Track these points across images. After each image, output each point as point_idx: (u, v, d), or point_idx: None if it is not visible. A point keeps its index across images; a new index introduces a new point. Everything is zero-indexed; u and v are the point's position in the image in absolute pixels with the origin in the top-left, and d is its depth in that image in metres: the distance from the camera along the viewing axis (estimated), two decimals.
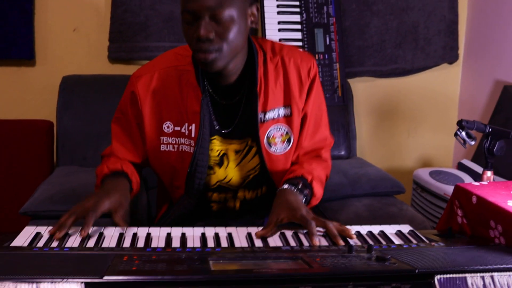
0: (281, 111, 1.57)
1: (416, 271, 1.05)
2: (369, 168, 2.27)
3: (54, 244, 1.23)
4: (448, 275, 1.05)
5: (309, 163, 1.61)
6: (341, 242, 1.27)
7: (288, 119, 1.58)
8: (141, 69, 1.60)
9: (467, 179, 2.28)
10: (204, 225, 1.40)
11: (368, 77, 2.75)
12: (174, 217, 1.62)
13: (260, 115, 1.54)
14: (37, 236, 1.27)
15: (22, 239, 1.25)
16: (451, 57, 2.81)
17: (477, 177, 2.18)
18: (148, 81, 1.55)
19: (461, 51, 2.86)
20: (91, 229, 1.30)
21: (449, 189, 2.19)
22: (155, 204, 1.85)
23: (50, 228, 1.30)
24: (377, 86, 2.80)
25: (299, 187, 1.50)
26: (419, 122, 2.88)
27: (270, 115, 1.55)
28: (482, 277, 1.07)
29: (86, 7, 2.53)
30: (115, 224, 1.37)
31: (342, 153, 2.47)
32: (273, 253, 1.19)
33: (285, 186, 1.50)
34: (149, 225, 1.44)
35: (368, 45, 2.67)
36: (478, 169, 2.27)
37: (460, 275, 1.06)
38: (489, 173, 1.74)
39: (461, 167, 2.37)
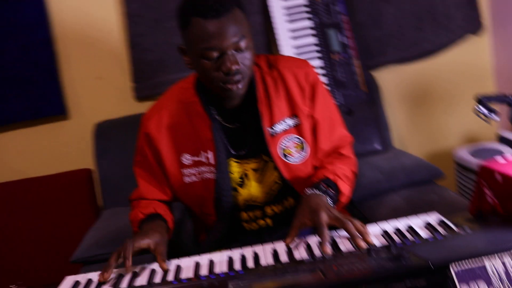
0: (289, 122, 1.59)
1: (430, 264, 1.03)
2: (404, 158, 2.22)
3: None
4: (464, 266, 1.03)
5: (331, 163, 1.62)
6: (362, 244, 1.26)
7: (297, 128, 1.59)
8: (150, 110, 1.67)
9: (509, 152, 2.19)
10: (240, 246, 1.43)
11: (393, 65, 2.70)
12: (211, 243, 1.66)
13: (270, 130, 1.56)
14: (77, 285, 1.34)
15: None
16: (474, 27, 2.71)
17: None
18: (158, 120, 1.62)
19: (488, 20, 2.76)
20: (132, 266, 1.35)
21: None
22: None
23: (90, 274, 1.37)
24: (404, 73, 2.74)
25: (322, 189, 1.49)
26: (455, 100, 2.79)
27: (279, 127, 1.58)
28: (502, 260, 1.04)
29: (106, 54, 2.64)
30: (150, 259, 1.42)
31: (378, 147, 2.43)
32: (294, 267, 1.20)
33: (308, 191, 1.50)
34: (196, 250, 1.49)
35: (386, 33, 2.62)
36: None
37: (478, 263, 1.03)
38: None
39: (501, 139, 2.27)
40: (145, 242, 1.41)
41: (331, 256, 1.23)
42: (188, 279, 1.24)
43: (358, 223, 1.33)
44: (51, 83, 2.57)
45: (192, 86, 1.62)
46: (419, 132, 2.79)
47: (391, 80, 2.73)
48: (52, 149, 2.67)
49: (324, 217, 1.35)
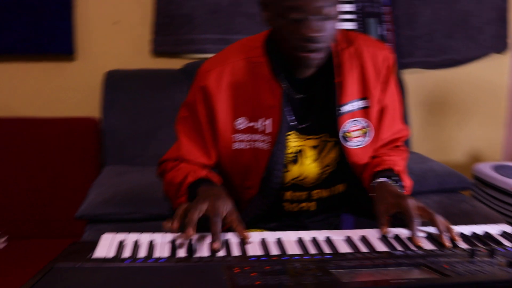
0: (358, 104, 1.47)
1: None
2: (432, 163, 2.16)
3: (142, 253, 1.12)
4: None
5: (389, 155, 1.52)
6: (447, 243, 1.19)
7: (365, 111, 1.47)
8: (210, 62, 1.49)
9: None
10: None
11: (418, 68, 2.64)
12: (248, 219, 1.51)
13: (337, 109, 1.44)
14: (121, 245, 1.16)
15: (104, 249, 1.14)
16: (500, 47, 2.71)
17: None
18: (219, 74, 1.44)
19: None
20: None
21: None
22: None
23: (132, 236, 1.19)
24: (425, 79, 2.70)
25: (395, 179, 1.41)
26: (469, 114, 2.78)
27: (346, 108, 1.45)
28: None
29: None
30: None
31: None
32: (389, 259, 1.08)
33: (381, 179, 1.40)
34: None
35: (418, 35, 2.56)
36: None
37: None
38: None
39: None
40: (224, 210, 1.25)
41: (423, 252, 1.14)
42: (268, 257, 1.09)
43: (442, 220, 1.25)
44: (63, 17, 2.31)
45: (261, 45, 1.46)
46: (429, 139, 2.76)
47: (412, 82, 2.67)
48: (53, 91, 2.42)
49: (413, 204, 1.26)
